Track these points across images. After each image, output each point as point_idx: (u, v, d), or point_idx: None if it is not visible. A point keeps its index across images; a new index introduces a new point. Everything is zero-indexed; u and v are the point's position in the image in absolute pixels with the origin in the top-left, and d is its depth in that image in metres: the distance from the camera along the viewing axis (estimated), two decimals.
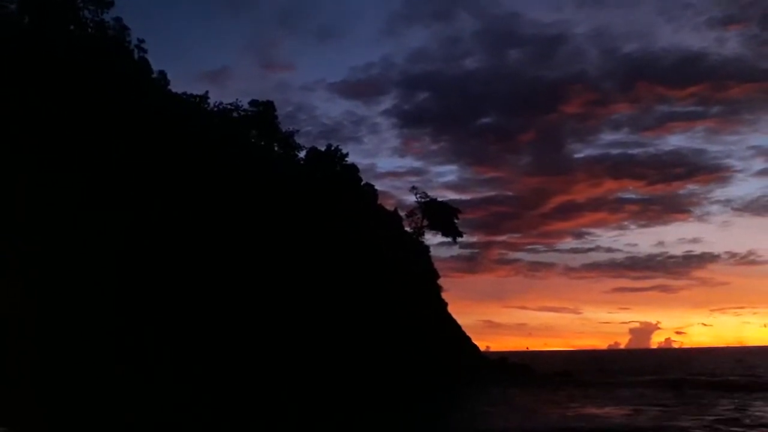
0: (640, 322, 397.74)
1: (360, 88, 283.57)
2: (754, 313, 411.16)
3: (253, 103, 73.41)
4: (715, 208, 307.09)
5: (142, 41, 61.76)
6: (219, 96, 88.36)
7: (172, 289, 47.71)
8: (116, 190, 47.18)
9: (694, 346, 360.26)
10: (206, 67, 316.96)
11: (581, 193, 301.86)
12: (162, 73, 64.72)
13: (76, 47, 52.95)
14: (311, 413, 40.96)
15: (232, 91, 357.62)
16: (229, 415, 38.18)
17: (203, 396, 41.86)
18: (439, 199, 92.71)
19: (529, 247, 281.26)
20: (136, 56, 61.51)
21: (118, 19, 59.10)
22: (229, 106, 71.57)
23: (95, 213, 44.70)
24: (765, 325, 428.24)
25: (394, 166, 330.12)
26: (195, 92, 69.16)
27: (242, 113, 72.01)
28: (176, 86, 66.87)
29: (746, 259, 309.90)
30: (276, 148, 74.94)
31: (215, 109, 70.67)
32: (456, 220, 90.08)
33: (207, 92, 69.80)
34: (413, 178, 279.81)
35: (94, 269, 42.99)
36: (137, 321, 43.75)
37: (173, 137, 56.17)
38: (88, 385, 36.86)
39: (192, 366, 44.74)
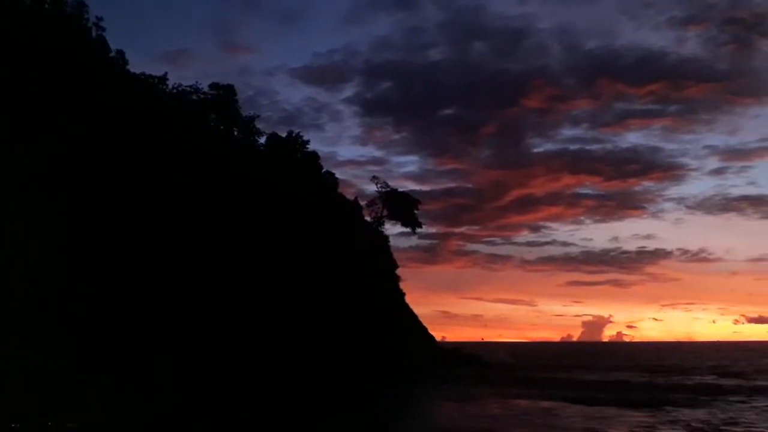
0: (593, 316, 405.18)
1: (322, 75, 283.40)
2: (704, 309, 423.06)
3: (213, 86, 72.23)
4: (668, 205, 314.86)
5: (100, 19, 60.50)
6: (178, 78, 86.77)
7: (120, 274, 46.76)
8: (68, 171, 45.89)
9: (644, 340, 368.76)
10: (166, 47, 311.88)
11: (539, 187, 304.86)
12: (120, 53, 63.24)
13: (32, 23, 51.32)
14: (265, 406, 40.55)
15: (192, 73, 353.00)
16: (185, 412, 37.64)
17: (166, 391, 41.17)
18: (400, 190, 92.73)
19: (487, 239, 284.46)
20: (93, 34, 60.06)
21: None
22: (188, 89, 70.29)
23: (43, 195, 43.34)
24: (714, 321, 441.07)
25: (355, 155, 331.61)
26: (154, 73, 67.90)
27: (202, 96, 70.78)
28: (135, 66, 65.65)
29: (697, 257, 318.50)
30: (236, 133, 73.93)
31: (174, 91, 69.32)
32: (416, 211, 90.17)
33: (166, 73, 68.50)
34: (374, 168, 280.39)
35: (36, 258, 41.65)
36: (85, 319, 42.71)
37: (130, 118, 54.96)
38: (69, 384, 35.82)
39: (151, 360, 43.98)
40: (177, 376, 43.73)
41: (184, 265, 52.34)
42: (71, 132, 47.05)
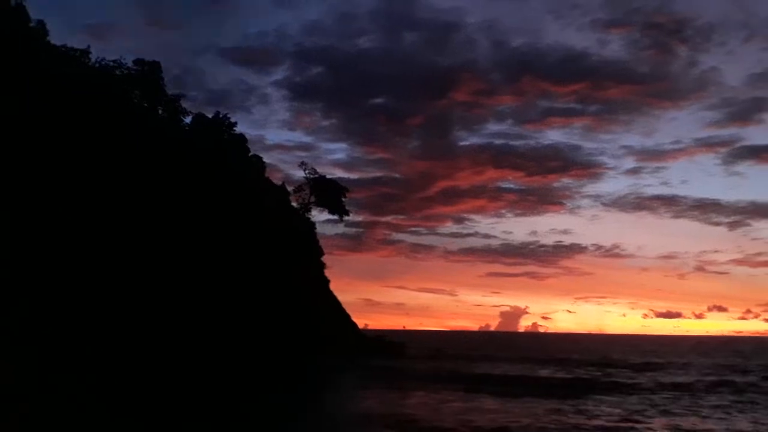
0: (510, 306, 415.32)
1: (252, 56, 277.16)
2: (615, 303, 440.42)
3: (137, 62, 69.91)
4: (585, 202, 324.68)
5: None
6: (102, 52, 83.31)
7: (36, 258, 45.05)
8: None
9: (558, 331, 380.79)
10: (89, 19, 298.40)
11: (464, 179, 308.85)
12: (41, 23, 60.54)
13: None
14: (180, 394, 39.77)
15: (115, 48, 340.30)
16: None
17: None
18: (328, 177, 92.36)
19: (412, 229, 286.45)
20: (12, 3, 57.17)
21: None
22: (112, 63, 67.80)
23: None
24: (624, 315, 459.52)
25: (283, 139, 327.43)
26: (76, 46, 65.23)
27: (125, 72, 68.43)
28: (56, 38, 62.99)
29: (611, 252, 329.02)
30: (160, 112, 71.90)
31: (97, 65, 66.79)
32: (343, 199, 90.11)
33: (89, 47, 65.88)
34: (302, 153, 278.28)
35: None
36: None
37: (51, 90, 52.82)
38: None
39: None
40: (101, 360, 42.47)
41: (99, 248, 50.77)
42: None
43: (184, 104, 74.55)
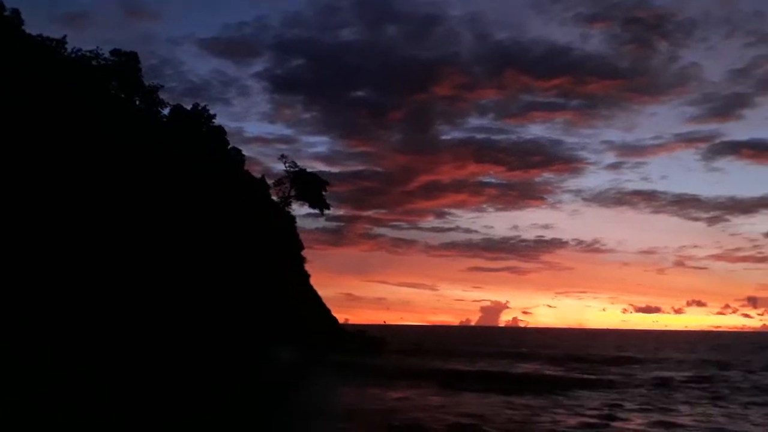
0: (491, 301, 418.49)
1: (231, 47, 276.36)
2: (595, 298, 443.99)
3: (115, 52, 68.78)
4: (566, 197, 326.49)
5: None
6: (78, 42, 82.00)
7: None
8: None
9: (538, 326, 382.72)
10: (65, 8, 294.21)
11: (446, 174, 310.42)
12: (16, 12, 59.40)
13: None
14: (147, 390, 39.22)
15: (92, 38, 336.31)
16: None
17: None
18: (309, 170, 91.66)
19: (393, 223, 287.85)
20: None
21: None
22: (88, 54, 66.65)
23: None
24: (604, 310, 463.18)
25: (264, 132, 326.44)
26: (52, 35, 63.98)
27: (102, 62, 67.32)
28: (31, 27, 61.88)
29: (591, 247, 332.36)
30: (138, 103, 70.89)
31: (73, 55, 65.66)
32: (324, 192, 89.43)
33: (65, 37, 64.67)
34: (283, 146, 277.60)
35: None
36: None
37: (25, 81, 51.88)
38: None
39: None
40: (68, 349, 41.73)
41: (73, 242, 49.99)
42: None
43: (162, 95, 73.50)
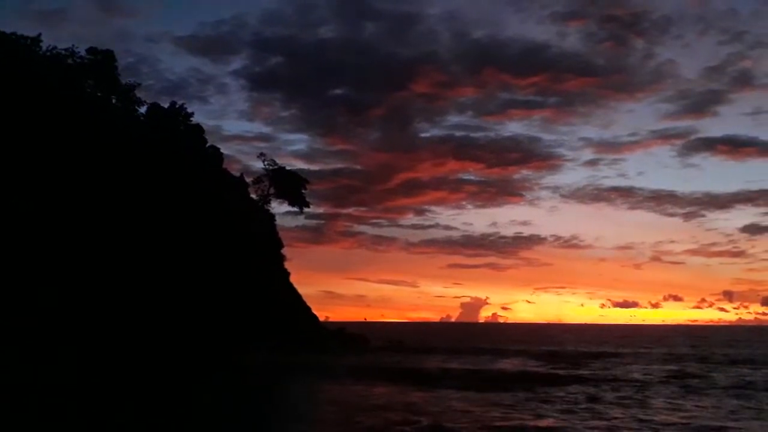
0: (471, 297, 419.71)
1: (209, 45, 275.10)
2: (573, 293, 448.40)
3: (90, 50, 68.20)
4: (544, 193, 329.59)
5: None
6: (53, 40, 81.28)
7: None
8: None
9: (517, 321, 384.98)
10: (40, 5, 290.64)
11: (425, 171, 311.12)
12: None
13: None
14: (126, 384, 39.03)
15: (67, 36, 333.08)
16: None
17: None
18: (288, 168, 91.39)
19: (373, 221, 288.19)
20: None
21: None
22: (63, 52, 66.05)
23: None
24: (582, 305, 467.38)
25: (242, 130, 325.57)
26: (26, 33, 63.45)
27: (78, 60, 66.71)
28: (5, 25, 61.45)
29: (569, 243, 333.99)
30: (114, 101, 70.27)
31: (48, 53, 65.01)
32: (304, 191, 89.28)
33: (40, 34, 64.14)
34: (261, 144, 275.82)
35: None
36: None
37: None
38: None
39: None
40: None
41: (53, 238, 49.49)
42: None
43: (139, 94, 73.12)
